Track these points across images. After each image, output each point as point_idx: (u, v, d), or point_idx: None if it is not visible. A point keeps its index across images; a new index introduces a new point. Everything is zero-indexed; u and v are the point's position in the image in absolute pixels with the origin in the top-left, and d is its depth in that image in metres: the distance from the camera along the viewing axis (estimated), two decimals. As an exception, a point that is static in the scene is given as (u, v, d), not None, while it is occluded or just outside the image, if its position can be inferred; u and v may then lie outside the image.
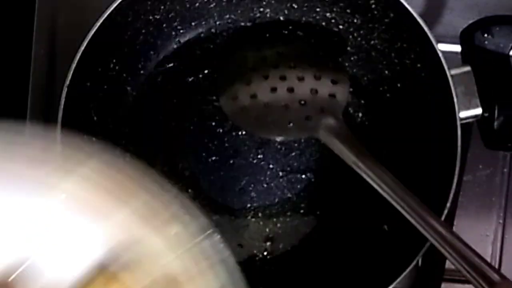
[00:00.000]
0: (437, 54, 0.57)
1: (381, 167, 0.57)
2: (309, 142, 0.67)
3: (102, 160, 0.42)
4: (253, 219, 0.66)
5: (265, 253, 0.66)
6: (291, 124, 0.60)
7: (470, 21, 0.59)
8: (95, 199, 0.42)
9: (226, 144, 0.67)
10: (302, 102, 0.61)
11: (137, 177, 0.42)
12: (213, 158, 0.67)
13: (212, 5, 0.65)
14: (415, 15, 0.58)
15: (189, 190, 0.66)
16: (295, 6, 0.65)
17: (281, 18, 0.66)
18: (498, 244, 0.68)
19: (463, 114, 0.58)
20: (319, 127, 0.60)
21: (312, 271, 0.64)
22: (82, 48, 0.58)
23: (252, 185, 0.66)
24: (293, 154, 0.67)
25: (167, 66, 0.67)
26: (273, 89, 0.61)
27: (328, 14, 0.65)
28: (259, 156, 0.66)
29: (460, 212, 0.68)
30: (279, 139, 0.63)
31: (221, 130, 0.66)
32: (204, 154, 0.67)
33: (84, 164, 0.42)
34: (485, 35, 0.58)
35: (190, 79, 0.66)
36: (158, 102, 0.67)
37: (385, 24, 0.61)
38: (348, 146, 0.58)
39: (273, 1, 0.65)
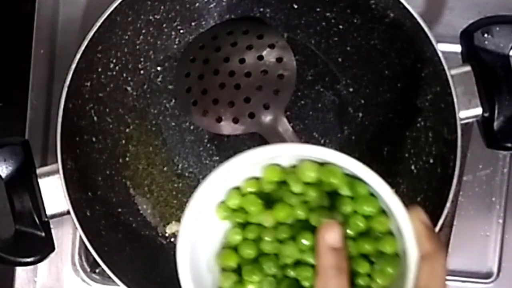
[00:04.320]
0: (437, 54, 0.57)
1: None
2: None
3: None
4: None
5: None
6: (236, 121, 0.62)
7: (470, 21, 0.59)
8: None
9: (226, 144, 0.67)
10: (247, 99, 0.62)
11: None
12: (213, 158, 0.67)
13: (212, 5, 0.65)
14: (415, 15, 0.58)
15: (189, 190, 0.66)
16: (295, 6, 0.65)
17: (281, 18, 0.66)
18: (498, 244, 0.68)
19: (463, 114, 0.58)
20: (262, 124, 0.61)
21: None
22: (82, 48, 0.58)
23: (252, 185, 0.66)
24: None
25: (167, 66, 0.67)
26: (222, 86, 0.62)
27: (328, 14, 0.65)
28: (259, 156, 0.66)
29: (460, 212, 0.68)
30: (225, 133, 0.63)
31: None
32: (204, 154, 0.67)
33: None
34: (485, 35, 0.58)
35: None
36: (158, 102, 0.67)
37: (385, 24, 0.61)
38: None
39: (273, 1, 0.65)
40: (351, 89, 0.66)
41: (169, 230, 0.66)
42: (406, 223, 0.43)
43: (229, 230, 0.48)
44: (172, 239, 0.66)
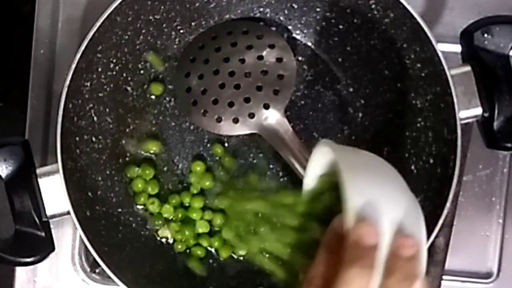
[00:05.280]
0: (437, 54, 0.57)
1: None
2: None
3: None
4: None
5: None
6: (236, 121, 0.62)
7: (470, 21, 0.59)
8: None
9: (226, 144, 0.67)
10: (247, 99, 0.62)
11: None
12: (213, 158, 0.67)
13: (212, 5, 0.65)
14: (415, 15, 0.58)
15: (189, 190, 0.66)
16: (295, 6, 0.65)
17: (281, 18, 0.66)
18: (498, 244, 0.68)
19: (463, 114, 0.58)
20: (262, 124, 0.61)
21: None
22: (82, 48, 0.58)
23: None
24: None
25: (167, 66, 0.67)
26: (222, 86, 0.62)
27: (328, 14, 0.65)
28: (259, 156, 0.66)
29: (460, 212, 0.68)
30: (225, 133, 0.63)
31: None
32: (204, 154, 0.67)
33: None
34: (485, 35, 0.58)
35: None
36: (158, 102, 0.67)
37: (385, 24, 0.61)
38: (286, 143, 0.61)
39: (273, 1, 0.65)
40: (351, 89, 0.66)
41: (161, 233, 0.65)
42: None
43: None
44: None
